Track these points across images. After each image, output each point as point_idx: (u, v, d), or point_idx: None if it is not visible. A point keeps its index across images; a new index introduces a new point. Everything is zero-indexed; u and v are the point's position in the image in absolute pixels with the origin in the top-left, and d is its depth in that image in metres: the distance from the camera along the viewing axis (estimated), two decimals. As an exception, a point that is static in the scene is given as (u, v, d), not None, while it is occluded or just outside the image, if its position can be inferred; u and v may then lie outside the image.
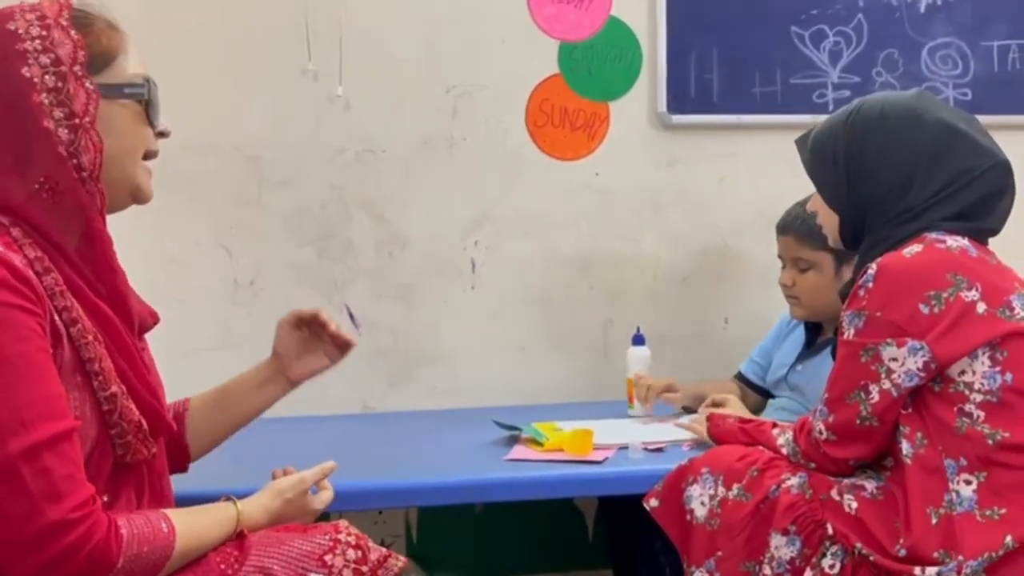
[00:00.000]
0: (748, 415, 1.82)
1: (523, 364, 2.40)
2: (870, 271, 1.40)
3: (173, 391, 2.07)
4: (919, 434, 1.37)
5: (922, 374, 1.36)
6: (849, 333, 1.41)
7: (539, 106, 2.38)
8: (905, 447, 1.38)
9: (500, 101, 2.37)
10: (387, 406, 2.35)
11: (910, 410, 1.39)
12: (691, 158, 2.44)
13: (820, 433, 1.43)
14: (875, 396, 1.38)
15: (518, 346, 2.40)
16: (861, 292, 1.41)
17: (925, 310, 1.35)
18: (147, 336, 1.28)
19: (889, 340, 1.37)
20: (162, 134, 1.22)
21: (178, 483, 1.33)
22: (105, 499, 1.10)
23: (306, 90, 2.29)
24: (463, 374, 2.38)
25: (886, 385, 1.38)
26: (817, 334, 2.11)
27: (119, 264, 1.17)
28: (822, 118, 2.10)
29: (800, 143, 1.62)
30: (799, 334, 2.15)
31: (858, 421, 1.39)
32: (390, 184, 2.34)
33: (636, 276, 2.44)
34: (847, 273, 2.02)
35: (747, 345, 2.42)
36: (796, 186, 2.19)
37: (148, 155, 1.21)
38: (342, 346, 1.53)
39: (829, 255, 1.99)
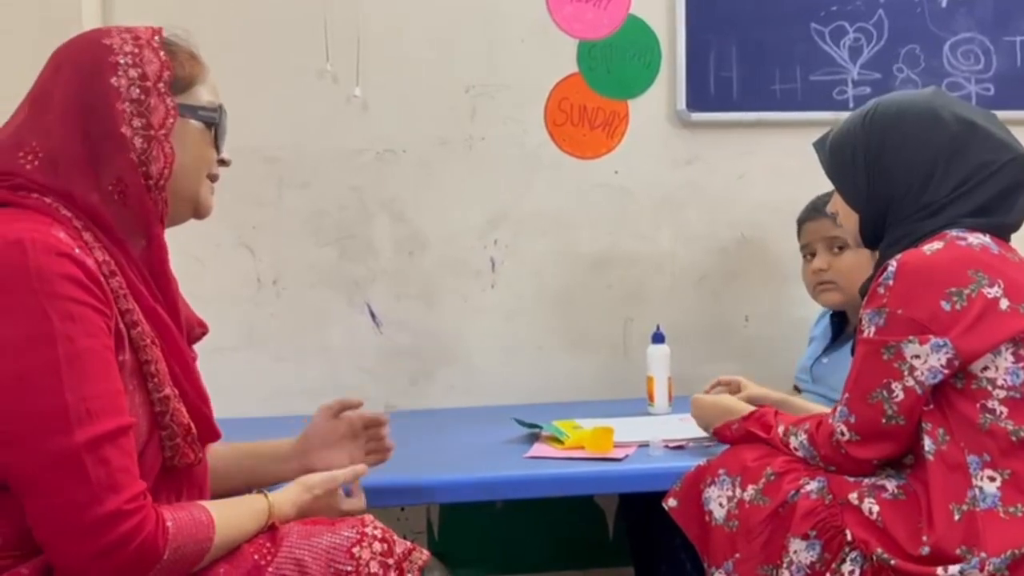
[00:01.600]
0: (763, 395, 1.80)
1: (542, 362, 2.41)
2: (890, 268, 1.40)
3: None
4: (941, 430, 1.36)
5: (945, 371, 1.35)
6: (869, 331, 1.40)
7: (558, 105, 2.38)
8: (927, 444, 1.37)
9: (519, 100, 2.37)
10: (408, 404, 2.37)
11: (932, 407, 1.38)
12: (710, 156, 2.44)
13: (842, 435, 1.41)
14: (899, 394, 1.37)
15: (537, 344, 2.41)
16: (881, 290, 1.40)
17: (947, 307, 1.35)
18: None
19: (911, 337, 1.36)
20: (223, 161, 1.30)
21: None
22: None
23: (325, 91, 2.31)
24: (483, 373, 2.39)
25: (909, 383, 1.37)
26: (843, 326, 2.11)
27: (172, 272, 1.24)
28: (843, 115, 2.10)
29: (818, 145, 1.62)
30: (825, 328, 2.15)
31: (884, 420, 1.38)
32: (409, 184, 2.36)
33: (655, 274, 2.44)
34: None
35: (768, 343, 2.42)
36: (816, 184, 2.18)
37: (210, 178, 1.29)
38: (378, 452, 1.54)
39: None
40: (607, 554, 2.45)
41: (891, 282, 1.39)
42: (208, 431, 1.22)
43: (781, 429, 1.51)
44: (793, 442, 1.48)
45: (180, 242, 2.25)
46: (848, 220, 1.57)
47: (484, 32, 2.36)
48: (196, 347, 1.34)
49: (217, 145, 1.28)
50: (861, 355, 1.42)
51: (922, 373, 1.36)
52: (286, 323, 2.34)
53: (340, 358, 2.35)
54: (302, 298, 2.34)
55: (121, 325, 1.12)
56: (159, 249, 1.21)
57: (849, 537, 1.37)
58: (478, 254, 2.39)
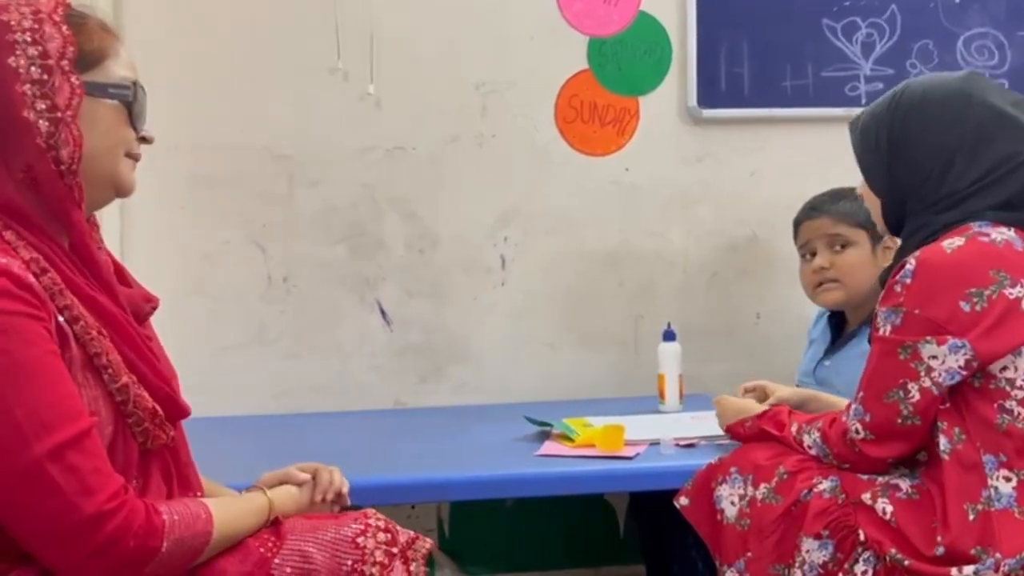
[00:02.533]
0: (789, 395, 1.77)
1: (552, 360, 2.40)
2: (908, 266, 1.37)
3: (207, 387, 2.11)
4: (956, 429, 1.35)
5: (963, 372, 1.34)
6: (885, 330, 1.38)
7: (568, 102, 2.38)
8: (942, 443, 1.35)
9: (529, 97, 2.37)
10: (418, 402, 2.37)
11: (948, 405, 1.36)
12: (721, 152, 2.43)
13: (857, 433, 1.40)
14: (915, 394, 1.35)
15: (548, 342, 2.41)
16: (898, 288, 1.37)
17: (966, 307, 1.33)
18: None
19: (928, 338, 1.34)
20: (144, 139, 1.22)
21: (210, 476, 1.34)
22: (135, 483, 1.12)
23: (336, 89, 2.31)
24: (493, 370, 2.38)
25: (926, 383, 1.34)
26: (842, 327, 2.10)
27: (99, 255, 1.18)
28: (855, 111, 2.04)
29: (851, 125, 1.58)
30: (823, 330, 2.14)
31: (899, 420, 1.36)
32: (420, 182, 2.35)
33: (666, 272, 2.43)
34: (880, 253, 2.00)
35: (779, 341, 2.41)
36: (827, 180, 2.18)
37: (130, 157, 1.21)
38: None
39: (865, 233, 1.98)
40: (618, 552, 2.44)
41: (909, 280, 1.36)
42: (175, 409, 1.18)
43: (795, 427, 1.50)
44: (807, 440, 1.47)
45: (189, 239, 2.28)
46: (872, 205, 1.54)
47: (494, 29, 2.35)
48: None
49: (134, 124, 1.19)
50: (876, 353, 1.40)
51: (939, 374, 1.34)
52: (296, 321, 2.34)
53: (350, 355, 2.35)
54: (312, 296, 2.34)
55: (62, 322, 1.08)
56: (80, 234, 1.14)
57: (862, 537, 1.36)
58: (488, 252, 2.38)
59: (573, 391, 2.37)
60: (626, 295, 2.42)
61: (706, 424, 1.94)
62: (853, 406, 1.42)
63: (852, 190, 2.08)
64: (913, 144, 1.44)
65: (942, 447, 1.35)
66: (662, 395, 2.15)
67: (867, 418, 1.39)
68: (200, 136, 2.27)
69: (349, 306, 2.35)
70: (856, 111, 1.61)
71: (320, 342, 2.34)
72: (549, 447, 1.81)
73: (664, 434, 1.81)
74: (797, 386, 2.16)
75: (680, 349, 2.17)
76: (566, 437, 1.84)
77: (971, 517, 1.30)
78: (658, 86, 2.40)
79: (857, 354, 1.99)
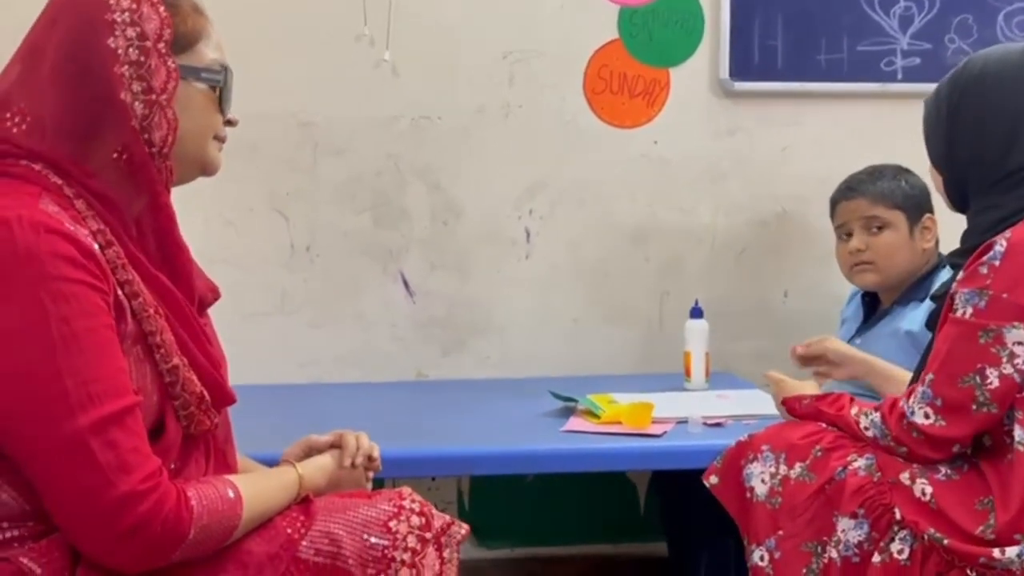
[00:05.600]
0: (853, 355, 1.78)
1: (577, 335, 2.38)
2: (998, 247, 1.31)
3: (230, 355, 2.10)
4: None
5: None
6: (966, 311, 1.32)
7: (597, 72, 2.34)
8: (1018, 433, 1.30)
9: (557, 67, 2.33)
10: (441, 374, 2.36)
11: (1023, 393, 1.31)
12: (753, 127, 2.38)
13: (927, 417, 1.34)
14: (994, 381, 1.29)
15: (572, 317, 2.38)
16: (984, 269, 1.31)
17: None
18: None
19: (1016, 324, 1.28)
20: (229, 122, 1.24)
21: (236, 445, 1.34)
22: (173, 466, 1.11)
23: (362, 56, 2.28)
24: (516, 344, 2.37)
25: (1007, 370, 1.29)
26: (875, 307, 2.07)
27: (183, 240, 1.18)
28: (890, 87, 2.02)
29: (926, 100, 1.54)
30: (856, 309, 2.11)
31: (974, 407, 1.31)
32: (445, 152, 2.33)
33: (693, 247, 2.40)
34: (918, 234, 1.97)
35: (807, 319, 2.38)
36: (861, 157, 2.13)
37: (217, 139, 1.23)
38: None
39: (903, 215, 1.95)
40: (638, 529, 2.43)
41: (998, 262, 1.30)
42: (222, 396, 1.18)
43: (855, 410, 1.45)
44: (863, 421, 1.42)
45: (213, 206, 2.27)
46: (936, 180, 1.51)
47: (523, -3, 2.31)
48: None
49: (222, 108, 1.20)
50: (952, 336, 1.34)
51: (1023, 361, 1.29)
52: (319, 290, 2.33)
53: (373, 326, 2.34)
54: (336, 265, 2.33)
55: (121, 296, 1.07)
56: (168, 219, 1.15)
57: (898, 516, 1.33)
58: (513, 224, 2.36)
59: (597, 367, 2.35)
60: (652, 271, 2.39)
61: (733, 403, 1.92)
62: (920, 389, 1.36)
63: (891, 167, 2.06)
64: (970, 121, 1.40)
65: (1018, 438, 1.30)
66: (688, 373, 2.13)
67: (938, 402, 1.34)
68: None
69: (372, 276, 2.34)
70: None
71: (342, 312, 2.33)
72: (574, 423, 1.80)
73: (691, 412, 1.79)
74: None
75: (707, 326, 2.14)
76: (591, 413, 1.82)
77: None
78: (689, 57, 2.35)
79: (888, 332, 1.97)
